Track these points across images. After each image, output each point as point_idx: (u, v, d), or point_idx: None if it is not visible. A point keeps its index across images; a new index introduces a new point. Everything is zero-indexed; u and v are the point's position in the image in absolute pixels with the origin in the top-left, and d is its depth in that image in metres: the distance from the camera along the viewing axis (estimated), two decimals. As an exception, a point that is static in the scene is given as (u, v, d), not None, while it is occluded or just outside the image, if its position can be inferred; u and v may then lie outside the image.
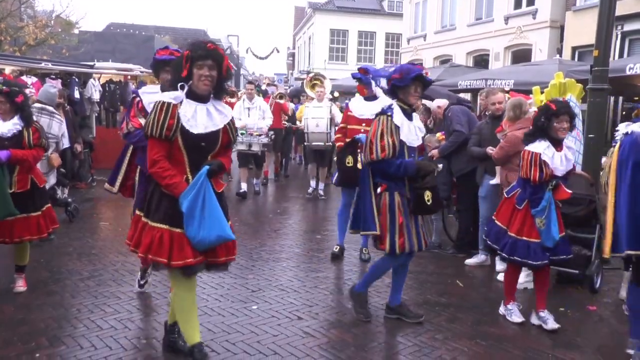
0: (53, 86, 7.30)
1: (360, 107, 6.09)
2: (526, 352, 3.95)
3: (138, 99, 4.27)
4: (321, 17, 36.01)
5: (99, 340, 3.88)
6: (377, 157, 4.02)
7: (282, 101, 12.22)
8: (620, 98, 13.34)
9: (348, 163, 5.75)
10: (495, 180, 5.68)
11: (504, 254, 4.38)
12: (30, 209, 4.63)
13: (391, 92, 4.25)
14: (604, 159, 7.15)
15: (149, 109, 3.69)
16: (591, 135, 6.23)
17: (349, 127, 6.22)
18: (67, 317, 4.29)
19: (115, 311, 4.42)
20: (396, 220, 4.10)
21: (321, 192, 10.14)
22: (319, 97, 9.68)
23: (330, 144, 9.31)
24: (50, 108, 6.45)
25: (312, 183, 10.36)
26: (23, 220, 4.58)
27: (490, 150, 5.56)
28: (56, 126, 6.36)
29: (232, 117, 3.47)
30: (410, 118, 4.21)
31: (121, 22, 46.91)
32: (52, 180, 6.42)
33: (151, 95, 4.09)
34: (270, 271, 5.65)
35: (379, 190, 4.15)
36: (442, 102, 7.00)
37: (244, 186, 9.88)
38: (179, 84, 3.24)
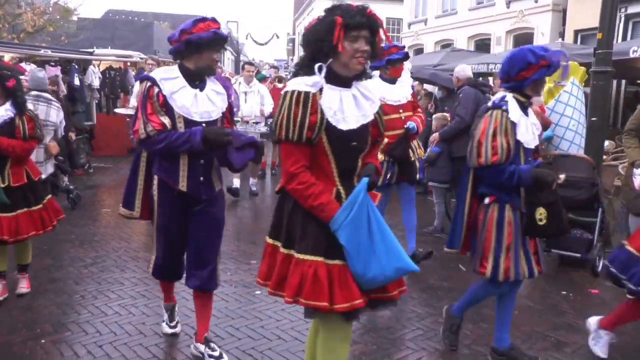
0: (40, 69, 7.22)
1: (392, 93, 5.17)
2: (529, 334, 3.97)
3: (156, 89, 3.17)
4: (321, 2, 35.67)
5: (104, 326, 3.90)
6: (486, 161, 3.21)
7: (280, 85, 10.98)
8: (623, 81, 13.27)
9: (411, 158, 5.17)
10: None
11: (631, 285, 3.45)
12: (31, 203, 4.33)
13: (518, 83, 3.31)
14: (606, 143, 7.16)
15: (174, 102, 3.17)
16: (594, 119, 6.20)
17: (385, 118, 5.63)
18: (70, 303, 4.31)
19: (119, 297, 4.43)
20: (503, 240, 3.28)
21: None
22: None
23: None
24: (47, 95, 6.33)
25: None
26: (26, 215, 4.28)
27: None
28: (54, 113, 6.24)
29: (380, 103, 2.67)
30: (526, 113, 3.37)
31: (119, 8, 46.63)
32: (49, 169, 6.34)
33: (173, 81, 3.21)
34: (273, 257, 5.64)
35: (486, 200, 3.37)
36: (462, 74, 6.75)
37: (236, 182, 8.37)
38: (317, 64, 2.42)
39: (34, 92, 6.15)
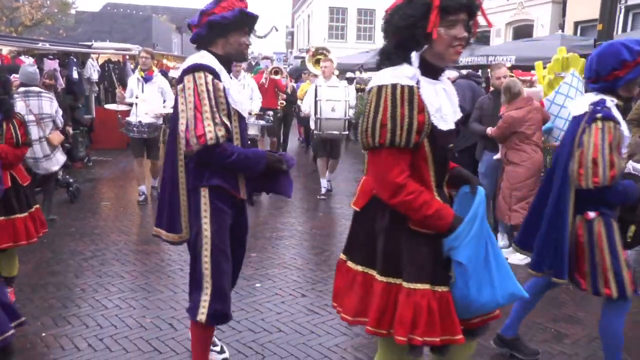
0: (31, 64, 7.20)
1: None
2: (529, 326, 3.97)
3: (220, 82, 2.72)
4: (320, -6, 35.57)
5: (104, 319, 3.91)
6: (604, 181, 2.79)
7: (277, 77, 10.67)
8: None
9: None
10: (497, 156, 5.69)
11: None
12: (15, 210, 3.95)
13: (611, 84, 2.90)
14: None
15: (230, 97, 2.76)
16: (594, 110, 6.18)
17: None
18: (71, 297, 4.31)
19: (119, 290, 4.43)
20: (619, 254, 2.93)
21: (329, 187, 8.42)
22: (326, 73, 7.92)
23: (347, 132, 8.06)
24: (36, 88, 6.15)
25: (324, 182, 8.24)
26: (7, 224, 3.89)
27: (489, 130, 5.57)
28: (47, 104, 6.10)
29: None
30: (624, 118, 2.99)
31: (118, 2, 46.43)
32: (60, 159, 6.30)
33: (223, 71, 2.83)
34: (273, 249, 5.66)
35: (592, 215, 2.96)
36: (453, 75, 6.88)
37: None
38: (414, 53, 2.07)
39: (21, 89, 6.04)
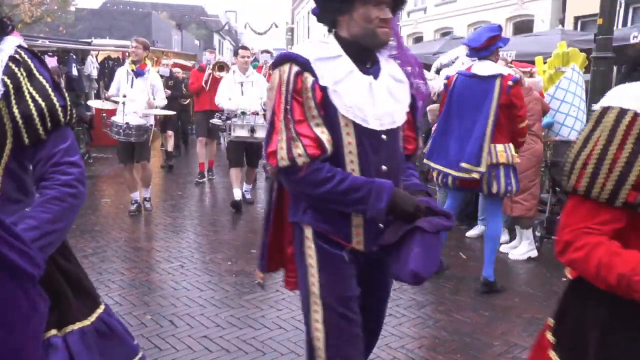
0: None
1: None
2: (529, 321, 3.97)
3: (309, 77, 1.90)
4: (320, -10, 35.47)
5: (104, 316, 3.90)
6: None
7: None
8: (624, 67, 13.22)
9: None
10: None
11: None
12: None
13: None
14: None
15: (339, 99, 1.92)
16: (594, 105, 6.19)
17: None
18: (71, 294, 4.31)
19: (119, 287, 4.43)
20: None
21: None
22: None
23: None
24: None
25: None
26: None
27: None
28: None
29: None
30: None
31: (117, -2, 46.41)
32: None
33: (334, 63, 1.96)
34: (273, 246, 5.64)
35: None
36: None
37: (237, 193, 7.00)
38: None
39: None
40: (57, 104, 1.64)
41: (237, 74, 7.21)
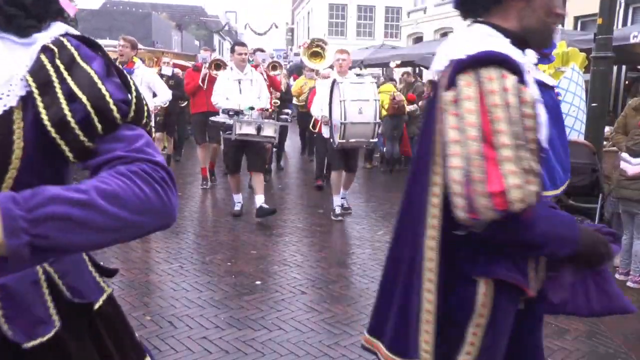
0: None
1: None
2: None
3: (511, 81, 1.37)
4: (319, -10, 35.51)
5: (104, 317, 3.90)
6: None
7: (276, 73, 9.50)
8: (624, 67, 13.23)
9: None
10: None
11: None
12: None
13: None
14: (606, 129, 7.13)
15: (540, 118, 1.45)
16: (594, 104, 6.18)
17: None
18: (71, 295, 4.30)
19: (119, 288, 4.43)
20: None
21: (346, 204, 7.14)
22: (343, 68, 6.66)
23: (375, 140, 6.78)
24: None
25: (337, 199, 6.85)
26: None
27: None
28: None
29: None
30: None
31: (117, -1, 46.44)
32: None
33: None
34: (273, 246, 5.65)
35: None
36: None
37: (238, 199, 6.85)
38: None
39: None
40: (110, 98, 1.10)
41: (234, 72, 6.77)
